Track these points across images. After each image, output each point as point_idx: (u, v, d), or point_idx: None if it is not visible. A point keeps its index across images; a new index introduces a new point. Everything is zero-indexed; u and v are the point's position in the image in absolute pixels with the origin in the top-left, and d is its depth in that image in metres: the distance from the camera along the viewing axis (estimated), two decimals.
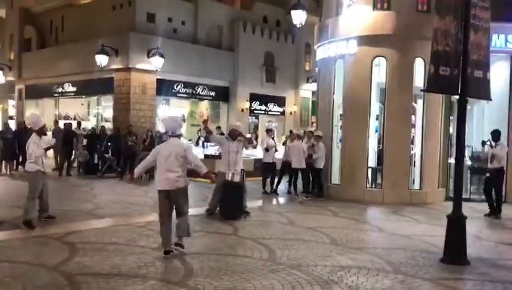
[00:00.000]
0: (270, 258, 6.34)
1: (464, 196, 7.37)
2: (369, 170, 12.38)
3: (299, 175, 12.54)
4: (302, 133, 13.35)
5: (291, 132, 14.51)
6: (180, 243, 6.42)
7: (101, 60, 19.29)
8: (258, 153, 15.54)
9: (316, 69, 14.92)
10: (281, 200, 12.23)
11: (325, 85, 13.22)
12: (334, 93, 12.85)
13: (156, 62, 19.30)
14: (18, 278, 5.17)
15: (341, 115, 12.72)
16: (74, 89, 23.16)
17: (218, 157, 11.31)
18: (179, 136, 6.51)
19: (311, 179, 12.43)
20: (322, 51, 13.26)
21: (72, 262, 5.84)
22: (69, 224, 8.10)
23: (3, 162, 16.03)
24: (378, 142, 12.65)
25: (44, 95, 24.77)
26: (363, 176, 12.06)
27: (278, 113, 26.54)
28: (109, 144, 16.34)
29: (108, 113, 21.83)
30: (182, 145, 6.37)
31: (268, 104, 25.87)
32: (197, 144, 18.11)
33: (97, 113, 22.90)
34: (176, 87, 21.81)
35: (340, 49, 12.47)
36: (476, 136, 13.34)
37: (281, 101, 26.46)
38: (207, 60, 22.18)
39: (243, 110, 24.26)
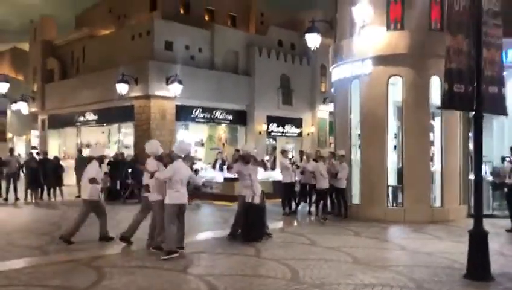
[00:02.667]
0: (293, 278, 6.42)
1: (486, 212, 7.40)
2: (390, 189, 12.37)
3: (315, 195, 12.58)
4: (322, 153, 13.50)
5: (301, 152, 14.61)
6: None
7: (121, 88, 19.81)
8: (276, 174, 15.65)
9: (332, 90, 15.06)
10: (302, 221, 12.31)
11: (341, 105, 13.34)
12: (351, 113, 12.94)
13: (175, 89, 19.75)
14: None
15: (359, 135, 12.78)
16: (95, 117, 23.74)
17: (236, 180, 11.47)
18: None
19: (330, 200, 12.52)
20: (337, 72, 13.42)
21: (100, 285, 6.02)
22: (96, 249, 8.33)
23: (29, 190, 16.42)
24: (398, 160, 12.67)
25: (67, 124, 25.44)
26: (383, 194, 12.07)
27: (295, 135, 26.69)
28: (130, 170, 16.66)
29: (129, 140, 22.28)
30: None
31: (286, 126, 26.07)
32: (213, 167, 18.29)
33: (118, 140, 23.37)
34: (195, 112, 22.21)
35: (355, 69, 12.61)
36: (496, 151, 13.27)
37: (298, 123, 26.64)
38: (224, 84, 22.59)
39: (260, 132, 24.50)
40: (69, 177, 18.18)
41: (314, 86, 27.16)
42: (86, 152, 18.63)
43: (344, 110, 13.15)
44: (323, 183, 12.02)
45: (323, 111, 27.24)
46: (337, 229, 10.71)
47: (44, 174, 16.18)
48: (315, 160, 12.65)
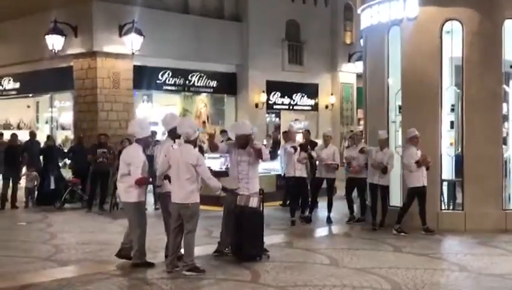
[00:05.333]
0: None
1: None
2: (444, 185, 12.47)
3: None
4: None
5: (307, 133, 15.18)
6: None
7: (54, 42, 19.66)
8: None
9: (361, 41, 15.04)
10: (318, 231, 12.43)
11: (374, 65, 13.34)
12: (388, 76, 12.97)
13: (132, 42, 19.63)
14: None
15: (399, 107, 12.84)
16: (16, 85, 23.63)
17: (225, 174, 11.53)
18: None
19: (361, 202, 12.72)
20: (369, 16, 13.39)
21: None
22: (21, 275, 8.38)
23: None
24: (457, 144, 12.73)
25: None
26: (434, 193, 12.14)
27: (308, 108, 26.65)
28: (69, 161, 16.72)
29: (67, 117, 22.24)
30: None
31: (294, 96, 26.02)
32: None
33: (50, 118, 23.30)
34: (162, 76, 22.13)
35: (395, 11, 12.58)
36: None
37: (311, 91, 26.57)
38: (204, 36, 22.45)
39: (257, 105, 24.46)
40: None
41: (335, 36, 27.01)
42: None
43: (378, 72, 13.14)
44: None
45: (349, 73, 27.13)
46: (368, 243, 10.78)
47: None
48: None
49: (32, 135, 18.76)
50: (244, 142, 9.36)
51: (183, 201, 8.29)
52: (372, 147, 12.53)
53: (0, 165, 16.70)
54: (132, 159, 8.70)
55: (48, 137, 18.78)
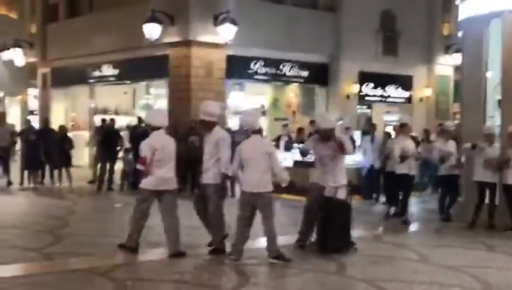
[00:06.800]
0: None
1: None
2: None
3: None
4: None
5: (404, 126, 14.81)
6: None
7: (151, 31, 20.22)
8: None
9: (460, 33, 14.69)
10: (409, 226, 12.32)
11: (473, 57, 13.10)
12: (487, 69, 12.75)
13: (226, 32, 19.89)
14: None
15: (499, 101, 12.60)
16: (115, 72, 24.45)
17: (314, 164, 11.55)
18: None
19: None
20: (468, 7, 13.11)
21: None
22: (116, 255, 8.72)
23: (26, 172, 17.32)
24: None
25: (76, 81, 26.39)
26: None
27: (402, 100, 26.21)
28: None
29: (161, 104, 22.87)
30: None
31: (387, 87, 25.66)
32: (277, 145, 18.35)
33: (146, 105, 24.03)
34: (254, 66, 22.33)
35: (496, 2, 12.32)
36: None
37: (406, 82, 26.12)
38: (297, 25, 22.49)
39: (348, 96, 24.28)
40: (80, 156, 19.05)
41: (431, 27, 26.41)
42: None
43: (477, 65, 12.91)
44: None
45: (446, 66, 26.49)
46: (461, 241, 10.60)
47: (46, 150, 17.01)
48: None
49: (139, 120, 19.18)
50: (327, 136, 9.33)
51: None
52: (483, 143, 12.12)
53: (99, 148, 17.44)
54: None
55: (141, 120, 19.28)
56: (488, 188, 11.87)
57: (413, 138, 13.63)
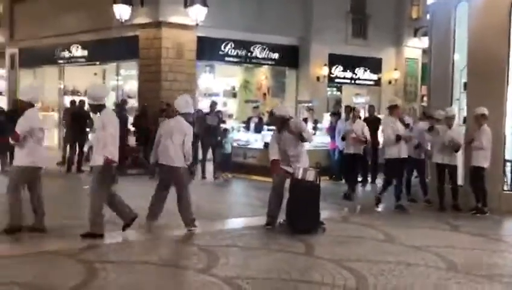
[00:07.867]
0: (359, 287, 6.56)
1: None
2: (508, 165, 12.22)
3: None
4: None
5: (350, 108, 15.17)
6: None
7: (121, 12, 20.01)
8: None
9: (428, 16, 14.78)
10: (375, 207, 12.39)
11: (440, 40, 13.18)
12: (454, 52, 12.81)
13: (197, 13, 19.75)
14: None
15: (465, 84, 12.65)
16: (85, 52, 24.18)
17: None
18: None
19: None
20: None
21: (90, 287, 6.35)
22: (85, 238, 8.63)
23: None
24: None
25: (45, 61, 26.03)
26: (497, 173, 11.94)
27: (371, 83, 26.37)
28: (133, 129, 17.01)
29: (132, 85, 22.68)
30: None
31: (357, 70, 25.76)
32: (247, 127, 18.34)
33: (116, 86, 23.80)
34: (224, 47, 22.24)
35: None
36: None
37: (375, 65, 26.25)
38: (267, 8, 22.40)
39: (318, 78, 24.33)
40: (49, 137, 18.81)
41: (400, 10, 26.53)
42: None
43: (444, 48, 12.99)
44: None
45: (414, 48, 26.67)
46: (427, 222, 10.74)
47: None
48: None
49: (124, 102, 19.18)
50: (279, 123, 9.41)
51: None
52: (439, 126, 12.21)
53: (68, 130, 17.26)
54: None
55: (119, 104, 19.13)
56: (448, 170, 11.99)
57: (402, 121, 13.04)
